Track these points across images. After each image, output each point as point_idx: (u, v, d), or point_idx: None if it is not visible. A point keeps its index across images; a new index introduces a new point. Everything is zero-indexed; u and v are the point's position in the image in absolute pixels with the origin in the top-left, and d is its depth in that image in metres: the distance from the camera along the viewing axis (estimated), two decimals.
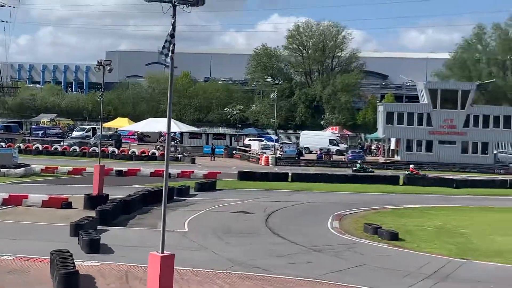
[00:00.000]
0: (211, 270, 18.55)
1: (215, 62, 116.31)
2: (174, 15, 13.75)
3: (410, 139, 62.82)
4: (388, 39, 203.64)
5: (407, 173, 47.27)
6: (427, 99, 62.22)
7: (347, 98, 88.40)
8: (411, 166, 49.05)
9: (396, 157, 63.69)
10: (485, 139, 61.56)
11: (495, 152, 64.35)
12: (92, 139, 64.22)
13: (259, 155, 59.72)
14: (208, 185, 38.01)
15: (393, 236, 24.69)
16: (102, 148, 45.06)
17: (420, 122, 62.42)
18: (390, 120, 63.23)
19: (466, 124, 61.72)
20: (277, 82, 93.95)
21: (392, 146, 66.93)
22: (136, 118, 79.07)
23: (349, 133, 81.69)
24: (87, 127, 73.67)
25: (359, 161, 53.01)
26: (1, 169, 40.35)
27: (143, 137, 71.39)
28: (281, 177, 44.13)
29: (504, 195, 41.28)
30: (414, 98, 76.00)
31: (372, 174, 48.39)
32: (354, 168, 50.69)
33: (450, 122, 61.84)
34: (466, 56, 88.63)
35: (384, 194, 39.50)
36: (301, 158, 60.98)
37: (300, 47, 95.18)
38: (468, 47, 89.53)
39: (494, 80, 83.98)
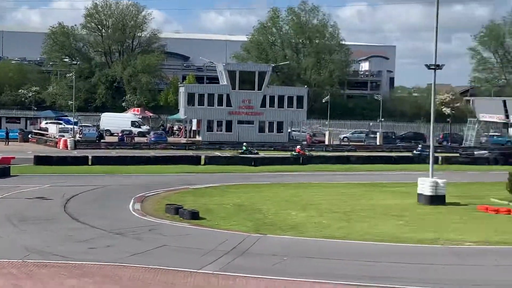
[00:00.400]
0: (6, 260, 17.64)
1: (7, 41, 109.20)
2: None
3: (210, 119, 64.25)
4: (188, 21, 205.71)
5: (294, 153, 48.63)
6: (227, 80, 63.95)
7: (148, 79, 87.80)
8: (298, 147, 50.14)
9: (198, 138, 64.84)
10: (280, 118, 64.82)
11: (289, 130, 67.99)
12: None
13: (57, 138, 57.59)
14: (1, 171, 36.12)
15: (194, 216, 25.19)
16: None
17: (220, 103, 64.03)
18: (191, 101, 64.16)
19: (263, 104, 64.46)
20: (75, 62, 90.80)
21: (194, 127, 68.01)
22: None
23: (151, 114, 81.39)
24: None
25: (244, 144, 53.45)
26: None
27: None
28: (81, 161, 43.18)
29: (298, 171, 43.84)
30: (215, 80, 77.69)
31: (249, 156, 49.65)
32: (240, 151, 52.00)
33: (248, 103, 64.18)
34: (263, 39, 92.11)
35: (186, 174, 40.13)
36: (102, 141, 59.90)
37: (99, 26, 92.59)
38: (264, 30, 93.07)
39: (288, 62, 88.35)
